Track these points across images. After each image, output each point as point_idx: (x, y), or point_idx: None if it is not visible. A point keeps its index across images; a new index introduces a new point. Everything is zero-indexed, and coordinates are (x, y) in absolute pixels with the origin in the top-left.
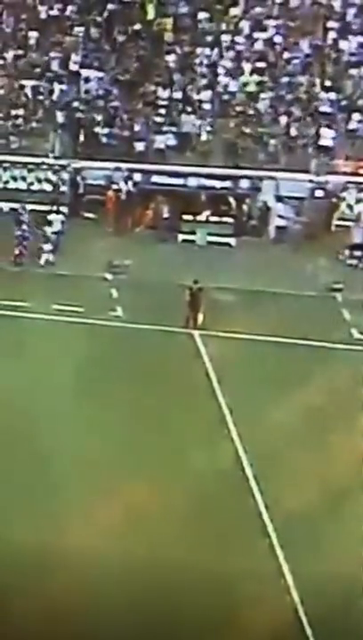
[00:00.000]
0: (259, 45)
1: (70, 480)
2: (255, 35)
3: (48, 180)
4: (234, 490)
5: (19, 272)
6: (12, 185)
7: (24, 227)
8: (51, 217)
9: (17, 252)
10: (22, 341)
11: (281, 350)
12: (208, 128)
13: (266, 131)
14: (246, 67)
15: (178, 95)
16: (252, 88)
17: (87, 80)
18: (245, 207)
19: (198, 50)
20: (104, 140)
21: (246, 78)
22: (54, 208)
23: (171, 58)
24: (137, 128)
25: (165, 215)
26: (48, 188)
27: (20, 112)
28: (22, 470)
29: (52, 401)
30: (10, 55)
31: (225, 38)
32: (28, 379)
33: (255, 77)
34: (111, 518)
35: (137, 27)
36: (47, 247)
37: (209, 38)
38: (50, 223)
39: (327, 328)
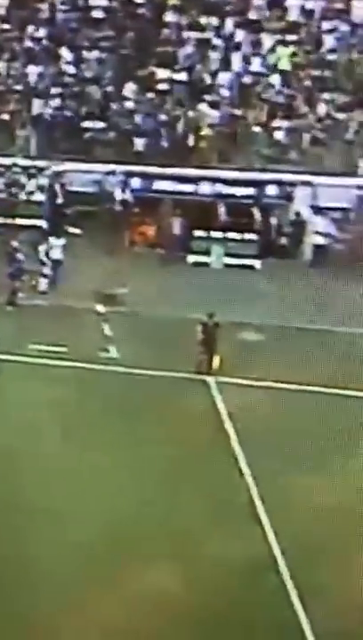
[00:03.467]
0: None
1: (63, 568)
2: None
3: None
4: (259, 575)
5: None
6: None
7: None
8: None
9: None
10: None
11: (318, 402)
12: (226, 119)
13: (300, 123)
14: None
15: (186, 78)
16: (283, 65)
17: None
18: (272, 221)
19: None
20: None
21: (275, 52)
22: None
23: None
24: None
25: (172, 231)
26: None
27: None
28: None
29: (29, 469)
30: None
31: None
32: None
33: (286, 49)
34: (113, 611)
35: None
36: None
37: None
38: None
39: None
